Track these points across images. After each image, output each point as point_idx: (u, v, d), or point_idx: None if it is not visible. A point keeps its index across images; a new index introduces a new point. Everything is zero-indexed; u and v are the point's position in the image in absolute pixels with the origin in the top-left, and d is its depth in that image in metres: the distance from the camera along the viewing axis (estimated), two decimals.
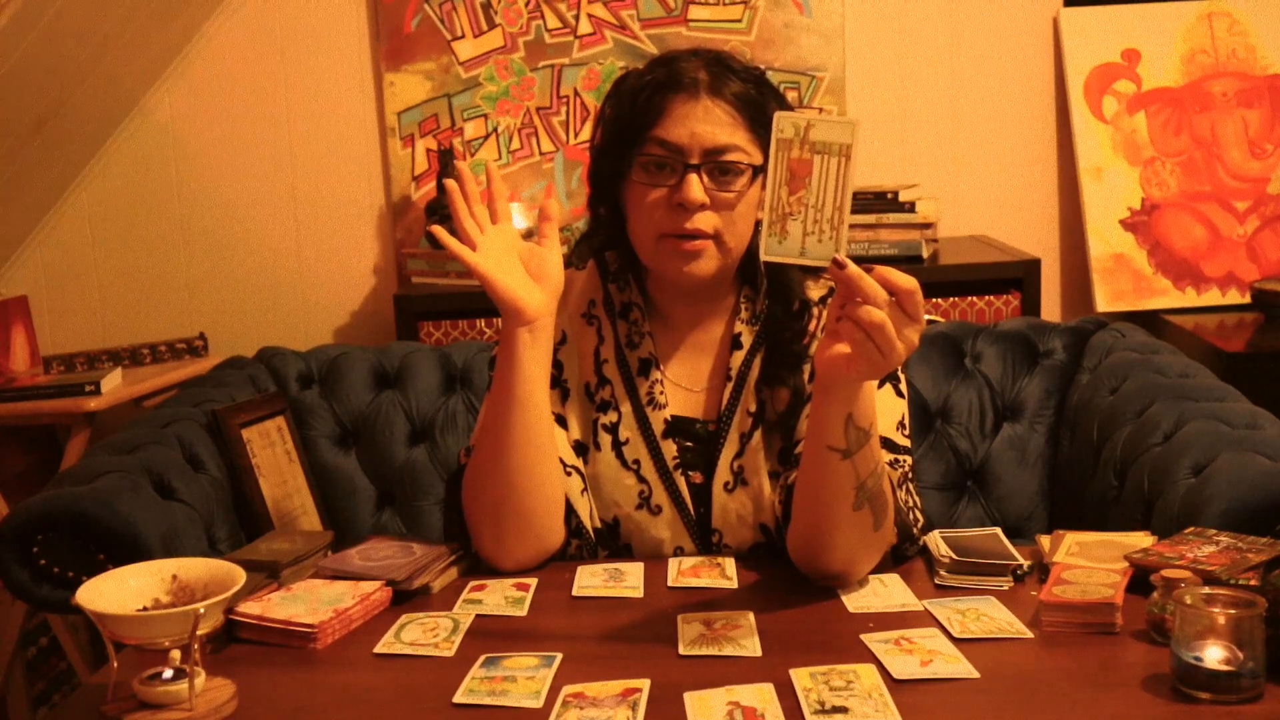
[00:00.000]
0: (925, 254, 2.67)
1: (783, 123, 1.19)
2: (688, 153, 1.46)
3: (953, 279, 2.62)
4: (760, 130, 1.48)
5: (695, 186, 1.45)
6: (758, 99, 1.50)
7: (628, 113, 1.51)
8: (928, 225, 2.70)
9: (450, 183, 1.42)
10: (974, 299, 2.60)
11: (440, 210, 2.80)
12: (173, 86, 3.01)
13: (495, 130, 3.01)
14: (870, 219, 2.68)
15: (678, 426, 1.55)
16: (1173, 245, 2.95)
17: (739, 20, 2.98)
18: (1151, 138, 2.96)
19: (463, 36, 2.99)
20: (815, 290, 1.57)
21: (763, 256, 1.21)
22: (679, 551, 1.54)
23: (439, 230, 1.42)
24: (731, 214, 1.47)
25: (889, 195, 2.68)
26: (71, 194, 3.04)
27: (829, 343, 1.23)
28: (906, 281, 1.19)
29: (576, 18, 2.98)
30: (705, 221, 1.47)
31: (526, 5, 2.98)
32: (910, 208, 2.67)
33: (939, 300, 2.59)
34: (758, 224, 1.52)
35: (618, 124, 1.52)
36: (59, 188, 3.01)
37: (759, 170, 1.48)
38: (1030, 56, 3.03)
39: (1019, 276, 2.64)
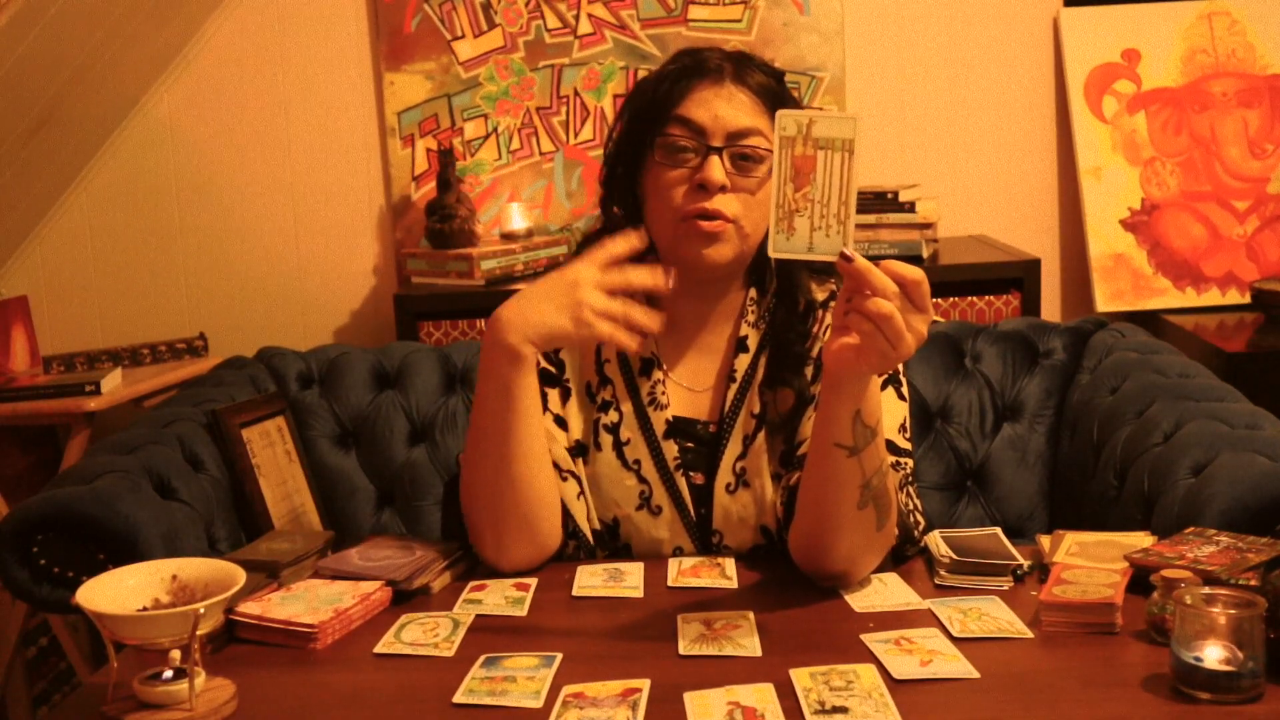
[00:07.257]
0: (925, 254, 2.67)
1: (785, 120, 1.19)
2: (710, 134, 1.47)
3: (953, 279, 2.62)
4: None
5: (716, 167, 1.46)
6: (778, 92, 1.52)
7: (649, 100, 1.52)
8: (928, 225, 2.69)
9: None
10: (974, 299, 2.60)
11: (440, 209, 2.80)
12: (172, 86, 3.01)
13: (495, 130, 3.01)
14: (870, 219, 2.68)
15: (679, 427, 1.55)
16: (1172, 245, 2.95)
17: (739, 20, 2.97)
18: (1151, 138, 2.96)
19: (463, 36, 2.99)
20: (819, 293, 1.57)
21: (771, 253, 1.21)
22: (678, 552, 1.54)
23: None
24: (752, 200, 1.48)
25: (889, 195, 2.68)
26: (71, 194, 3.04)
27: (837, 338, 1.23)
28: (913, 272, 1.20)
29: (576, 18, 2.98)
30: (725, 205, 1.47)
31: (526, 5, 2.98)
32: (910, 208, 2.66)
33: (939, 300, 2.58)
34: None
35: (639, 112, 1.54)
36: (59, 188, 3.01)
37: None
38: (1030, 56, 3.02)
39: (1019, 276, 2.63)
